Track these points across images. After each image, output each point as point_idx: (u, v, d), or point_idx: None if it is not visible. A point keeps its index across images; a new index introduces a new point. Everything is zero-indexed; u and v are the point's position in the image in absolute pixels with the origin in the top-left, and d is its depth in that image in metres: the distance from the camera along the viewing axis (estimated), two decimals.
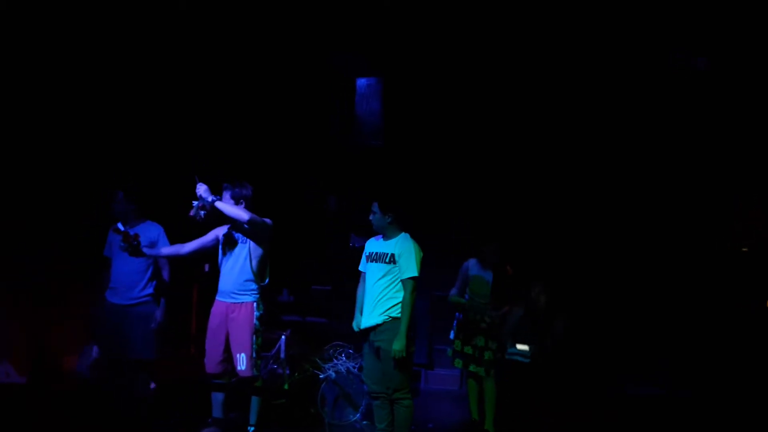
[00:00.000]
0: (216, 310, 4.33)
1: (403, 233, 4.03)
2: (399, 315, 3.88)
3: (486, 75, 6.25)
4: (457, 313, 4.96)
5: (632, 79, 5.93)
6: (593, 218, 6.32)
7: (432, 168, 6.59)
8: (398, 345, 3.80)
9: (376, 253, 4.05)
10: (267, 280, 4.36)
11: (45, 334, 5.92)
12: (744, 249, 6.00)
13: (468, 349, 4.74)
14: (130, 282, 4.80)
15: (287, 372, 5.12)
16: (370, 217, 4.06)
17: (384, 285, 3.96)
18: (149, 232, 4.78)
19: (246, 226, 4.16)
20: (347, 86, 6.43)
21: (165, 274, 4.94)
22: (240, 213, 4.11)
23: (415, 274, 3.89)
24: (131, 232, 4.34)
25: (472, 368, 4.74)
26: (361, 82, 6.30)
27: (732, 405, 5.54)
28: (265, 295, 4.37)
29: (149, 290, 4.86)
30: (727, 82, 5.69)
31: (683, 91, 5.86)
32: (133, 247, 4.24)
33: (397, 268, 3.93)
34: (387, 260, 3.96)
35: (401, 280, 3.91)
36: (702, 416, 5.45)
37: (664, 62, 5.60)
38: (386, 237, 4.05)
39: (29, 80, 5.52)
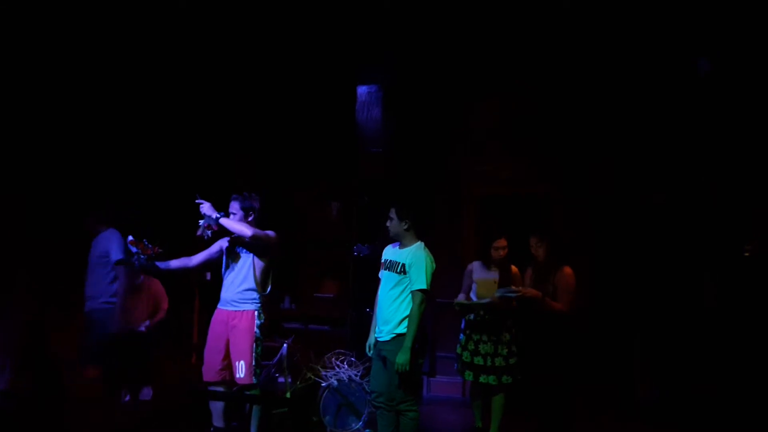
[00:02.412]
0: (217, 318, 4.36)
1: (418, 242, 3.98)
2: (406, 331, 3.84)
3: (488, 80, 6.27)
4: (462, 323, 4.89)
5: (638, 81, 5.94)
6: (596, 218, 6.31)
7: (432, 173, 6.59)
8: (402, 358, 3.76)
9: (390, 262, 4.01)
10: (269, 290, 4.38)
11: (46, 341, 5.93)
12: (746, 254, 5.97)
13: (478, 360, 4.64)
14: (101, 290, 4.89)
15: (289, 380, 5.11)
16: (387, 224, 4.02)
17: (394, 296, 3.92)
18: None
19: (249, 241, 4.22)
20: (348, 94, 6.45)
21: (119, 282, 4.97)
22: (243, 229, 4.16)
23: (424, 286, 3.83)
24: (148, 246, 4.33)
25: (482, 379, 4.64)
26: (362, 89, 6.31)
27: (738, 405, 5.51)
28: (266, 305, 4.39)
29: (113, 298, 4.92)
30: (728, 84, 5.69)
31: (686, 93, 5.86)
32: (151, 260, 4.24)
33: (407, 279, 3.88)
34: (398, 270, 3.92)
35: (411, 292, 3.87)
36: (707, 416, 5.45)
37: (674, 65, 5.62)
38: (402, 245, 4.01)
39: (33, 82, 5.56)
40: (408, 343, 3.77)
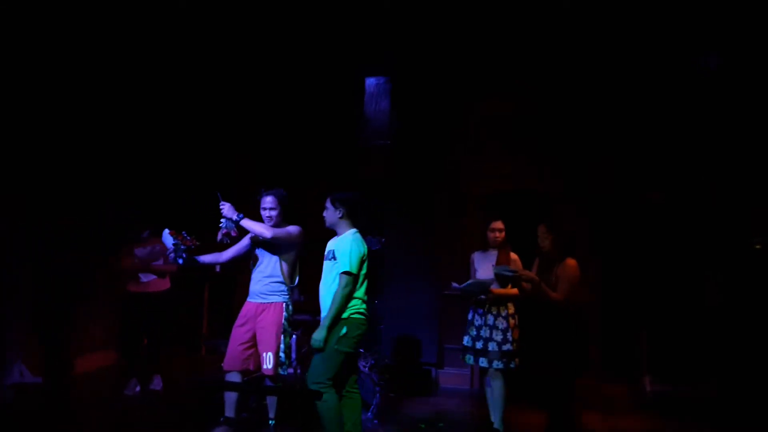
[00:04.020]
0: (245, 311, 4.43)
1: (351, 230, 4.03)
2: (345, 316, 3.86)
3: (492, 79, 6.26)
4: (470, 313, 4.89)
5: (637, 80, 5.91)
6: (597, 217, 6.30)
7: (436, 169, 6.59)
8: (317, 334, 3.80)
9: (327, 252, 4.06)
10: (296, 281, 4.46)
11: (58, 334, 5.99)
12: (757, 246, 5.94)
13: (479, 344, 4.67)
14: None
15: (298, 371, 5.14)
16: (324, 214, 4.07)
17: (329, 282, 3.96)
18: None
19: (270, 241, 4.29)
20: (356, 85, 6.44)
21: None
22: (263, 231, 4.23)
23: (347, 268, 3.85)
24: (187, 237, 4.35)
25: (480, 362, 4.66)
26: (370, 81, 6.29)
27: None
28: (293, 296, 4.48)
29: None
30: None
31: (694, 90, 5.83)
32: (190, 251, 4.26)
33: (338, 264, 3.93)
34: (331, 257, 3.98)
35: (338, 274, 3.89)
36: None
37: (675, 65, 5.59)
38: (338, 234, 4.06)
39: (34, 82, 5.59)
40: (326, 322, 3.81)
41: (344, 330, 3.85)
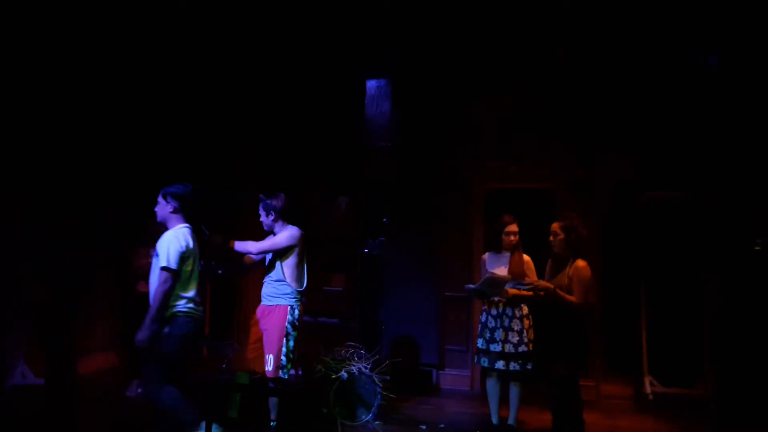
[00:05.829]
0: (258, 311, 4.56)
1: (179, 225, 3.95)
2: (169, 314, 3.79)
3: (497, 76, 6.26)
4: (482, 315, 4.90)
5: (639, 80, 5.92)
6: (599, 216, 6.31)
7: (440, 168, 6.60)
8: (139, 334, 3.72)
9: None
10: (305, 285, 4.50)
11: (60, 334, 5.99)
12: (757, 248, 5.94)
13: (494, 347, 4.69)
14: None
15: (299, 372, 5.15)
16: (155, 208, 4.02)
17: (153, 281, 3.92)
18: None
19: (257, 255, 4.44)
20: (357, 88, 6.45)
21: None
22: (249, 248, 4.44)
23: (164, 264, 3.78)
24: None
25: (497, 365, 4.66)
26: (371, 83, 6.30)
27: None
28: (301, 300, 4.52)
29: None
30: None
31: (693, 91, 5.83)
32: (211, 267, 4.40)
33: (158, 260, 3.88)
34: (156, 254, 3.90)
35: None
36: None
37: (677, 64, 5.60)
38: (168, 229, 3.99)
39: (33, 82, 5.61)
40: (146, 321, 3.74)
41: (167, 329, 3.79)
